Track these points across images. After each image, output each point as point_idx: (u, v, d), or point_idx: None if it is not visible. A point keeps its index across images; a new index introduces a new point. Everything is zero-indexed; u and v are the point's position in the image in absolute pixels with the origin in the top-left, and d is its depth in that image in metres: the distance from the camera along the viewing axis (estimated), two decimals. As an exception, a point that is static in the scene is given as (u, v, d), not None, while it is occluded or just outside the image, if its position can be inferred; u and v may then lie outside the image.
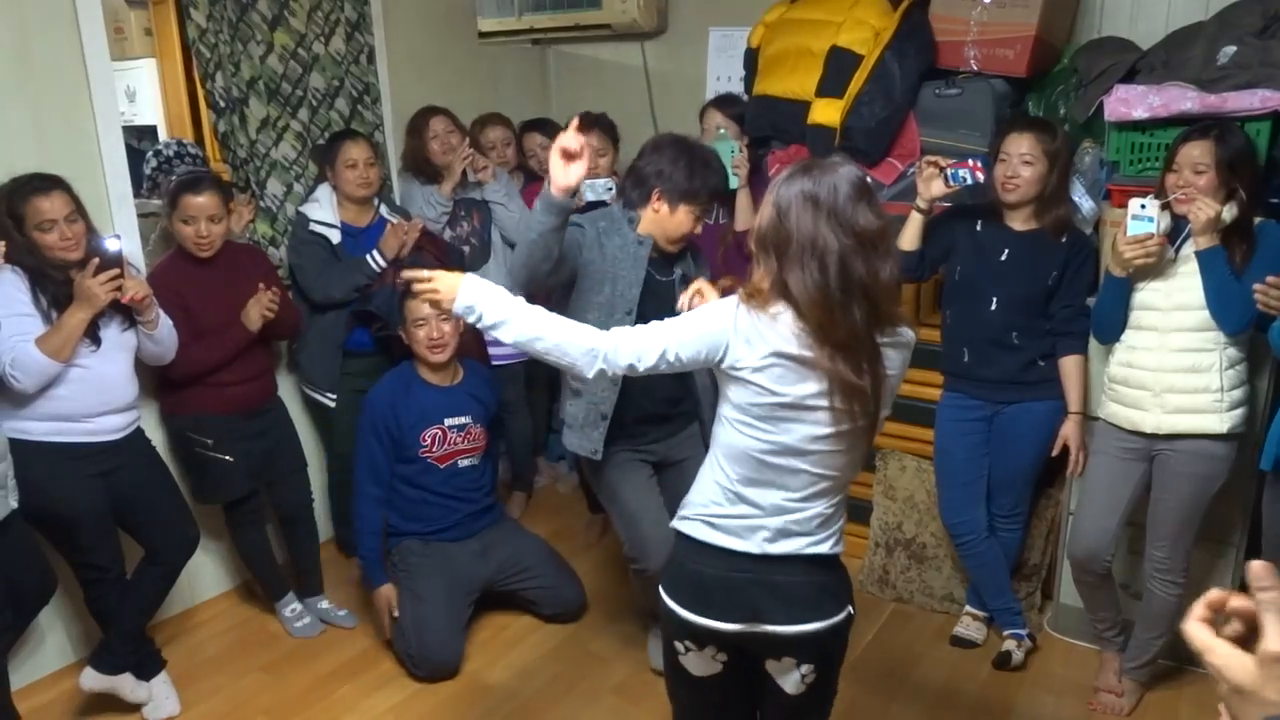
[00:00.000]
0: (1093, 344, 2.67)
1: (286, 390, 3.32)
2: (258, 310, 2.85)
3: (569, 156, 1.99)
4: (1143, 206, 2.33)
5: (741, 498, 1.66)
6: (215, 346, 2.81)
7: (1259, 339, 2.35)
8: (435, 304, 1.77)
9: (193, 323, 2.78)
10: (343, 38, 3.48)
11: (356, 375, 3.23)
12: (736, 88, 3.75)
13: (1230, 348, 2.38)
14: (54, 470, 2.45)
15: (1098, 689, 2.72)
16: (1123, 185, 2.66)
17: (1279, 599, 0.72)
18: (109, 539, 2.61)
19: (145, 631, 2.78)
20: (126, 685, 2.66)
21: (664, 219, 2.40)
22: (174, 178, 3.21)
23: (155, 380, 2.86)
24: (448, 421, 2.98)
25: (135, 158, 3.20)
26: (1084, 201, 2.82)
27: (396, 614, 2.92)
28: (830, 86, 3.13)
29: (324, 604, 3.22)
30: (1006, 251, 2.67)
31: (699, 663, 1.76)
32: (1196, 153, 2.32)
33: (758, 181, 3.22)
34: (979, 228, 2.73)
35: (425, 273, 1.77)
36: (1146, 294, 2.45)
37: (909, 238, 2.70)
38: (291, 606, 3.17)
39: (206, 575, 3.30)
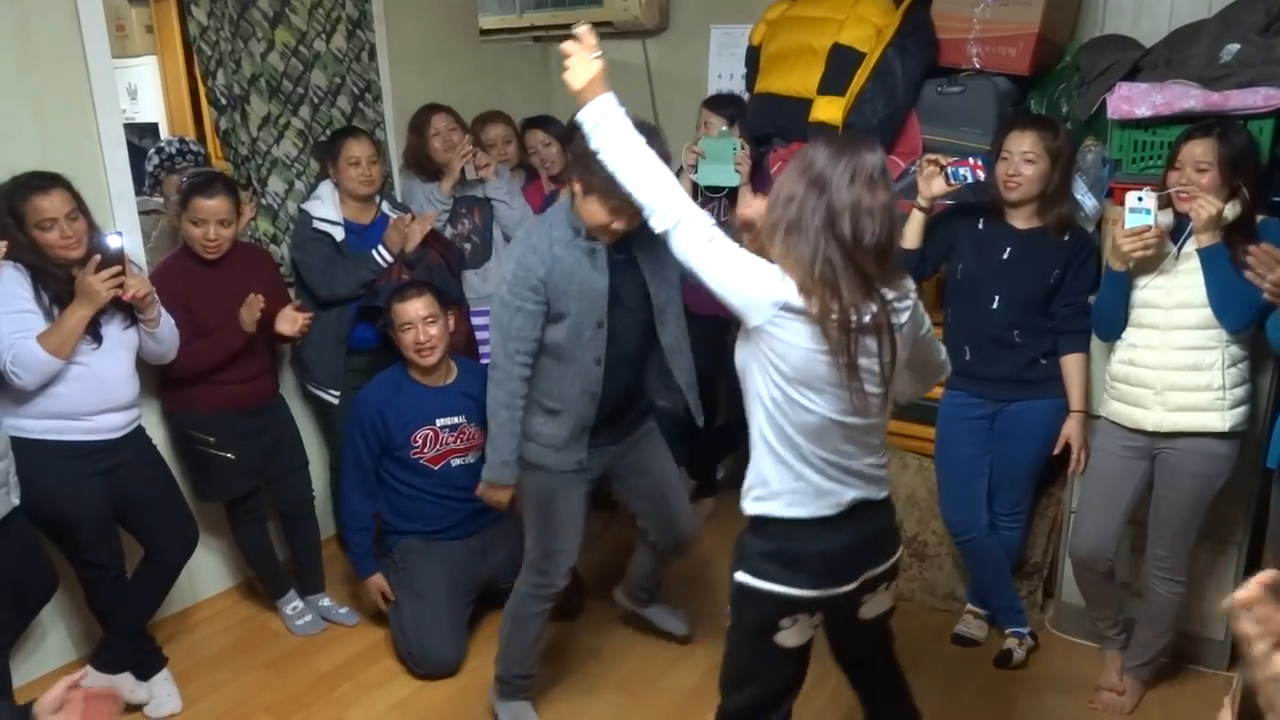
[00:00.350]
0: (1095, 342, 2.67)
1: (288, 388, 3.32)
2: (251, 314, 2.82)
3: None
4: (1140, 199, 2.33)
5: (824, 464, 1.73)
6: (217, 346, 2.81)
7: (1261, 337, 2.35)
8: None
9: (195, 322, 2.78)
10: (344, 35, 3.48)
11: (360, 372, 3.23)
12: (738, 85, 3.75)
13: (1232, 346, 2.38)
14: (55, 468, 2.45)
15: (1099, 687, 2.72)
16: (1125, 183, 2.65)
17: None
18: (109, 537, 2.61)
19: (146, 629, 2.78)
20: (126, 685, 2.66)
21: (579, 204, 2.22)
22: (182, 176, 3.22)
23: (157, 378, 2.86)
24: (439, 422, 2.97)
25: (137, 155, 3.20)
26: (1086, 200, 2.82)
27: (392, 598, 2.95)
28: (832, 84, 3.12)
29: (325, 601, 3.23)
30: (1008, 250, 2.66)
31: (798, 634, 1.80)
32: (1199, 151, 2.32)
33: (759, 179, 3.22)
34: (981, 226, 2.73)
35: (574, 52, 1.81)
36: (1148, 292, 2.45)
37: (910, 236, 2.70)
38: (293, 604, 3.17)
39: (208, 573, 3.30)
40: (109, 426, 2.55)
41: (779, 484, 1.76)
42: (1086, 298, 2.64)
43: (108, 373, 2.51)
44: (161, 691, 2.73)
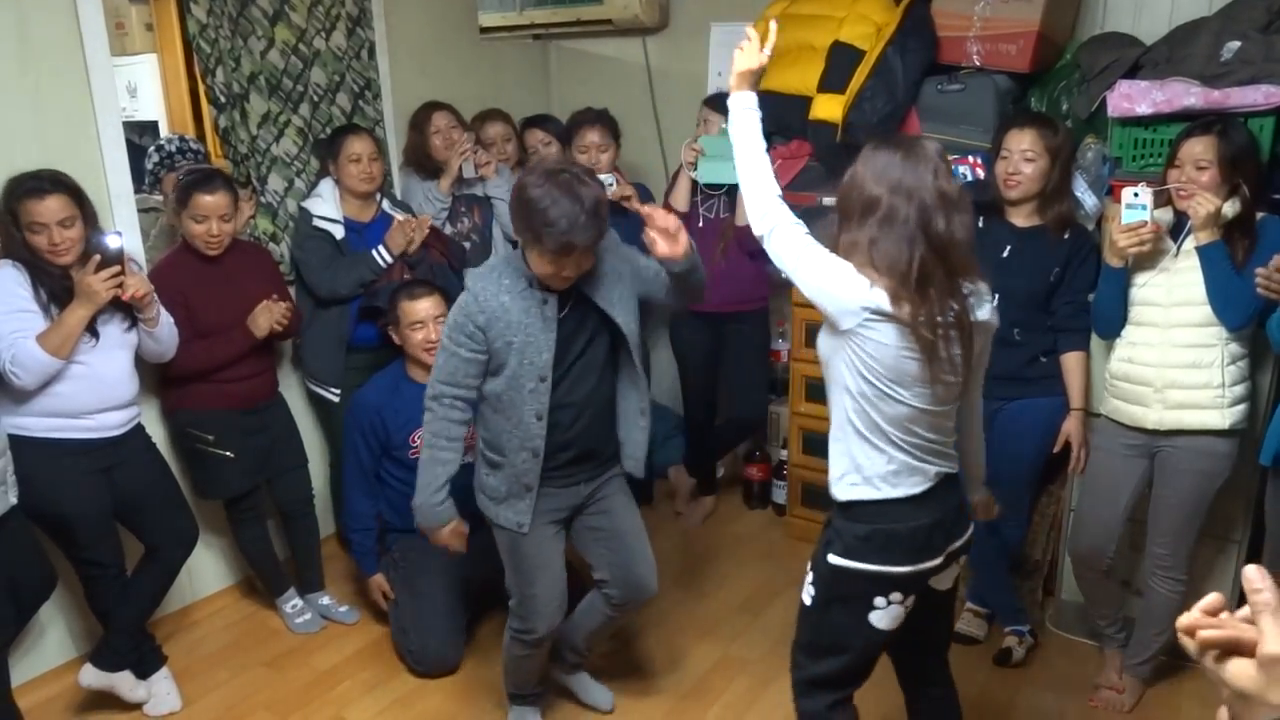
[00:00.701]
0: (1094, 340, 2.66)
1: (289, 386, 3.32)
2: (268, 319, 2.84)
3: None
4: (1136, 195, 2.33)
5: (911, 447, 1.79)
6: (217, 345, 2.81)
7: (1261, 335, 2.34)
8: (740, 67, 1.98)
9: (194, 320, 2.78)
10: (344, 33, 3.47)
11: (361, 370, 3.22)
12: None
13: (1232, 343, 2.37)
14: (54, 467, 2.45)
15: (1099, 685, 2.72)
16: (1125, 181, 2.64)
17: (1274, 601, 0.72)
18: (109, 535, 2.60)
19: (146, 628, 2.78)
20: (126, 684, 2.66)
21: (526, 252, 2.16)
22: (178, 174, 3.21)
23: (156, 376, 2.86)
24: None
25: (137, 153, 3.20)
26: (1086, 197, 2.81)
27: (392, 597, 2.96)
28: (832, 82, 3.12)
29: (325, 600, 3.23)
30: (1008, 248, 2.66)
31: (890, 616, 1.84)
32: (1199, 148, 2.32)
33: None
34: (980, 224, 2.71)
35: (753, 40, 1.97)
36: (1148, 290, 2.44)
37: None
38: (292, 602, 3.17)
39: (207, 571, 3.30)
40: (109, 425, 2.55)
41: (871, 468, 1.81)
42: (1087, 296, 2.64)
43: (107, 371, 2.51)
44: (161, 690, 2.73)
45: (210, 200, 2.73)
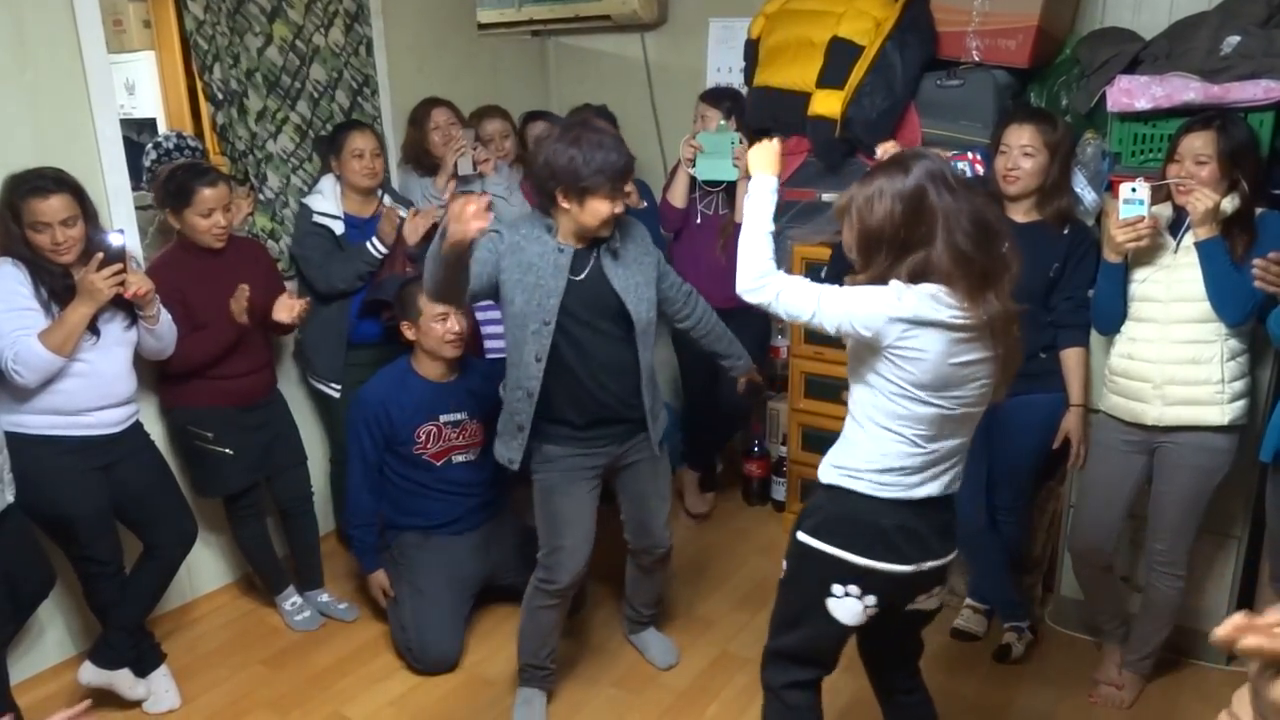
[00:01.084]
0: (1094, 336, 2.66)
1: (289, 382, 3.32)
2: (288, 315, 2.89)
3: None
4: (1133, 190, 2.33)
5: (929, 451, 1.78)
6: (211, 339, 2.80)
7: (1260, 330, 2.34)
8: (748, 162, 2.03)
9: (191, 315, 2.77)
10: (341, 29, 3.47)
11: (363, 366, 3.22)
12: (737, 79, 3.74)
13: (1231, 339, 2.37)
14: (52, 464, 2.45)
15: (1098, 681, 2.72)
16: (1125, 176, 2.64)
17: None
18: (108, 533, 2.60)
19: (145, 625, 2.78)
20: (125, 682, 2.66)
21: (576, 215, 2.29)
22: (160, 178, 3.20)
23: (154, 374, 2.86)
24: (443, 418, 2.97)
25: (135, 150, 3.19)
26: (1086, 193, 2.81)
27: (392, 594, 2.96)
28: (831, 77, 3.11)
29: (324, 597, 3.23)
30: (1007, 244, 2.65)
31: (849, 611, 1.83)
32: (1198, 143, 2.31)
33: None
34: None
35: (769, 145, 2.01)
36: (1147, 286, 2.44)
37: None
38: (292, 600, 3.17)
39: (206, 569, 3.30)
40: (108, 422, 2.55)
41: (869, 464, 1.80)
42: (1086, 292, 2.63)
43: (106, 369, 2.51)
44: (160, 687, 2.73)
45: (213, 192, 2.74)
